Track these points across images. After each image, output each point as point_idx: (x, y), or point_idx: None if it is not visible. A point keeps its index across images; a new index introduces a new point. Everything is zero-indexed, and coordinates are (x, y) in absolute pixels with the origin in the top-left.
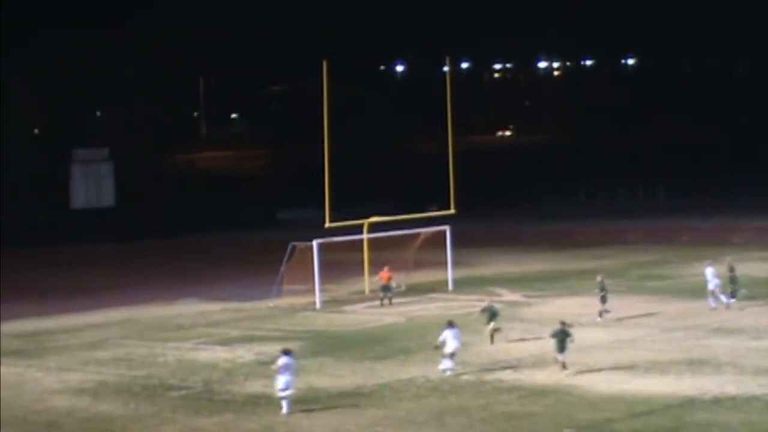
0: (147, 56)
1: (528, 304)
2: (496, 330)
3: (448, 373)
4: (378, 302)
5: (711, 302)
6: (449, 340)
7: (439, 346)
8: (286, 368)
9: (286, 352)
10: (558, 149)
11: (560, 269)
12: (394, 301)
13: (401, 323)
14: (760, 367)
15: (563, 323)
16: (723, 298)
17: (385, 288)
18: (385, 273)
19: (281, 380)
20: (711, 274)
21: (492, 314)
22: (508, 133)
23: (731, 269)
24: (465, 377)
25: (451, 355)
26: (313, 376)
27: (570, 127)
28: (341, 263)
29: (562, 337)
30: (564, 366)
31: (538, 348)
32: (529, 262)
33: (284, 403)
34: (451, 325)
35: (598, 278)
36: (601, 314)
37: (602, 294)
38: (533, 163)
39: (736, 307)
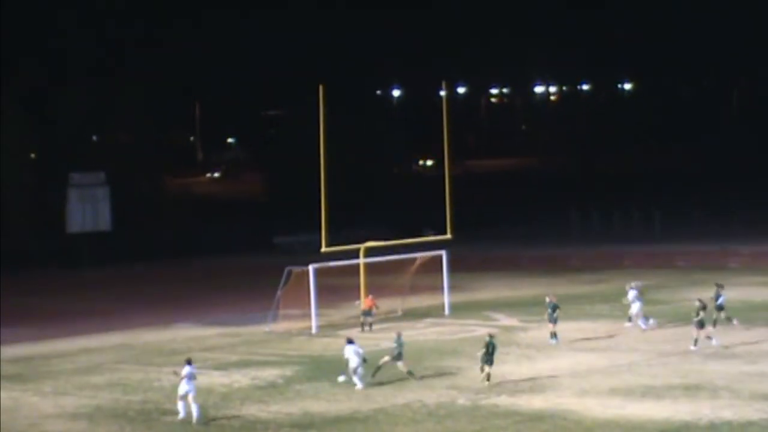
0: (143, 81)
1: (524, 329)
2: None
3: (357, 383)
4: (359, 327)
5: (641, 324)
6: (350, 356)
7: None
8: (189, 377)
9: (189, 362)
10: (554, 173)
11: (556, 294)
12: (375, 327)
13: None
14: (756, 391)
15: (491, 335)
16: (641, 323)
17: (366, 313)
18: (368, 300)
19: (183, 387)
20: (633, 297)
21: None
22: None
23: (717, 296)
24: (460, 402)
25: (354, 370)
26: (309, 401)
27: (566, 151)
28: (337, 288)
29: (490, 350)
30: (488, 378)
31: (534, 372)
32: (525, 286)
33: (180, 407)
34: (350, 341)
35: (548, 299)
36: (553, 335)
37: (554, 315)
38: (529, 187)
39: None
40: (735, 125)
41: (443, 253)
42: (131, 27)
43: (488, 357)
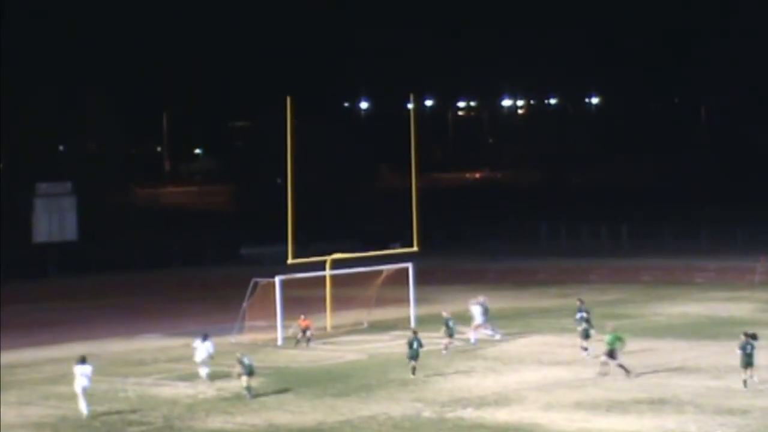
0: (111, 91)
1: (490, 342)
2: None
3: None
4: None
5: (491, 333)
6: (200, 349)
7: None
8: (83, 374)
9: (82, 360)
10: (522, 187)
11: (522, 307)
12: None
13: (363, 360)
14: (720, 406)
15: (415, 332)
16: (488, 331)
17: (304, 332)
18: (302, 321)
19: (82, 382)
20: (478, 313)
21: (416, 345)
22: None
23: (586, 310)
24: (426, 414)
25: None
26: (274, 412)
27: (534, 165)
28: (304, 300)
29: (414, 345)
30: (413, 371)
31: (500, 386)
32: (492, 299)
33: (84, 405)
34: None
35: (444, 314)
36: (446, 347)
37: (450, 329)
38: (496, 201)
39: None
40: (703, 141)
41: (410, 265)
42: (98, 36)
43: (413, 352)
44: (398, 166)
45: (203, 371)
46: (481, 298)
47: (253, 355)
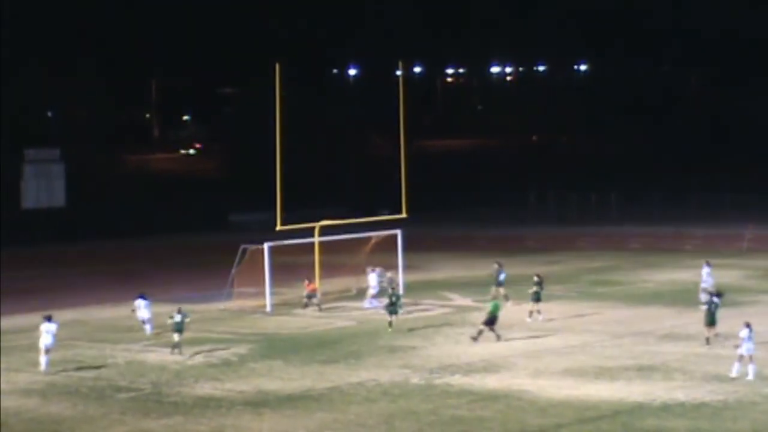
0: (99, 57)
1: (478, 309)
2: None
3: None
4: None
5: (375, 303)
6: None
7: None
8: (48, 331)
9: (48, 318)
10: (510, 154)
11: (511, 274)
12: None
13: (352, 327)
14: (709, 373)
15: (393, 288)
16: (367, 303)
17: (310, 296)
18: (308, 285)
19: (46, 339)
20: (374, 281)
21: (395, 299)
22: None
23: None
24: (414, 381)
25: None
26: (263, 378)
27: (523, 132)
28: (292, 266)
29: (393, 300)
30: (390, 325)
31: (488, 353)
32: (480, 267)
33: (44, 361)
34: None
35: (388, 274)
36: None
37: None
38: (485, 168)
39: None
40: (692, 109)
41: (398, 232)
42: (87, 2)
43: (392, 307)
44: (387, 133)
45: (148, 327)
46: (377, 269)
47: (242, 322)
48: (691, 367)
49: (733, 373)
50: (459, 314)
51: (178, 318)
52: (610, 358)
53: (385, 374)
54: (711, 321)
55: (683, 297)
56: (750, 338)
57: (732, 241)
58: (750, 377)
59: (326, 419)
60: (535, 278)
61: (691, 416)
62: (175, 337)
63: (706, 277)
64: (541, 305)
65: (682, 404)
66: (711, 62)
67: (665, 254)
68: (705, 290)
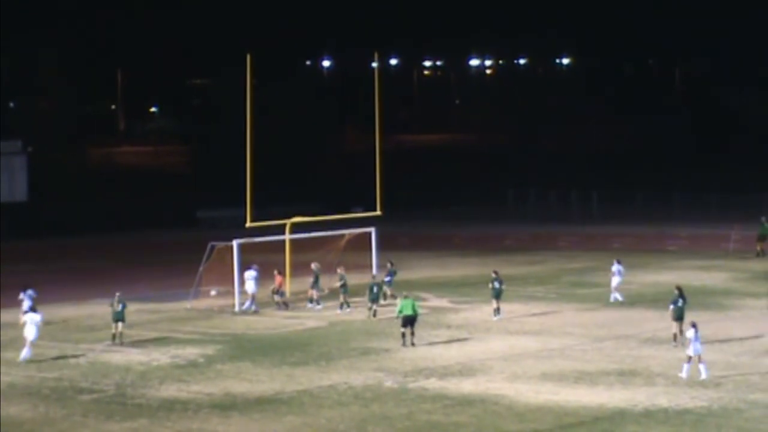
0: (63, 46)
1: (454, 310)
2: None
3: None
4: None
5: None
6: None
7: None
8: (32, 321)
9: (33, 309)
10: (489, 151)
11: (488, 275)
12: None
13: (323, 328)
14: (692, 378)
15: (374, 276)
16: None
17: (278, 293)
18: (278, 278)
19: (31, 332)
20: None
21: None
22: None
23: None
24: (388, 384)
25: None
26: (231, 381)
27: (501, 128)
28: (262, 265)
29: (375, 290)
30: (374, 314)
31: (464, 355)
32: (457, 266)
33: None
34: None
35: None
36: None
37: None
38: (463, 164)
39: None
40: (676, 106)
41: (372, 230)
42: None
43: (374, 296)
44: (362, 127)
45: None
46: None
47: (210, 322)
48: (674, 372)
49: (683, 374)
50: (434, 315)
51: (119, 308)
52: (590, 362)
53: (358, 377)
54: (679, 316)
55: (667, 299)
56: (697, 338)
57: (718, 242)
58: (703, 376)
59: (296, 423)
60: (493, 274)
61: (673, 423)
62: (119, 326)
63: (617, 275)
64: (501, 303)
65: (664, 410)
66: (697, 58)
67: (649, 255)
68: (616, 289)
